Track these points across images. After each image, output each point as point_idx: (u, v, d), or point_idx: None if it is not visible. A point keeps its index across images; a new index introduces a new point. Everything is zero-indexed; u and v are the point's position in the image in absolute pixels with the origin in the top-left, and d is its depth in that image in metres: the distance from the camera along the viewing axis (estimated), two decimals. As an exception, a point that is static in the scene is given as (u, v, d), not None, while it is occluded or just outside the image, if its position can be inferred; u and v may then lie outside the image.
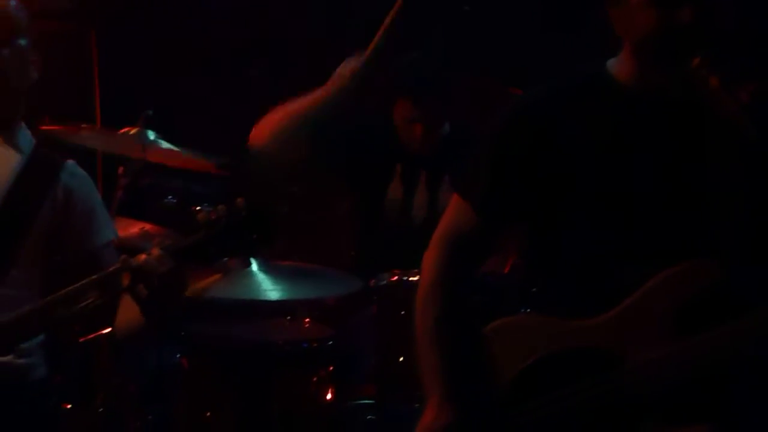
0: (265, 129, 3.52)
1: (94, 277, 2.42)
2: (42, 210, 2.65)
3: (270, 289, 3.38)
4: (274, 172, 3.64)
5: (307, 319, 3.73)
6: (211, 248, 2.37)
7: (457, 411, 2.32)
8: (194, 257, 2.39)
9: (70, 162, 2.75)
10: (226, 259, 2.42)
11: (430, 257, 2.42)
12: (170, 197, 4.03)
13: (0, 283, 2.58)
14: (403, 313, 3.21)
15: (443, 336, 2.37)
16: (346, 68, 3.43)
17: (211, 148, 3.78)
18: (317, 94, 3.47)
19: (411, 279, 3.19)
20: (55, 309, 2.43)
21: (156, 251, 2.37)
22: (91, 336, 3.40)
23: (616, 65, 2.31)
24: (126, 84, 4.61)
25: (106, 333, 3.39)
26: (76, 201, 2.70)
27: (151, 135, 3.46)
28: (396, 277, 3.30)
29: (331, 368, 3.53)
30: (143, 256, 2.37)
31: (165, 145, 3.50)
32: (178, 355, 3.57)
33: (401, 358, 3.24)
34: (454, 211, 2.42)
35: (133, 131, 3.45)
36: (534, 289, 2.68)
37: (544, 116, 2.30)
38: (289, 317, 3.73)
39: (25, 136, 2.75)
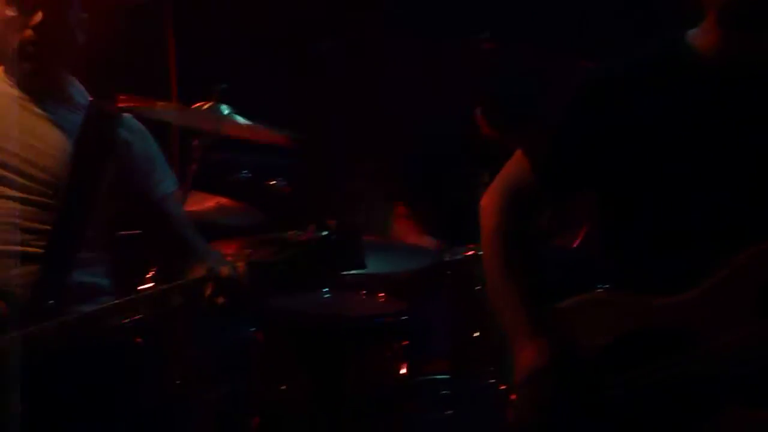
0: None
1: (177, 282, 2.45)
2: (106, 164, 2.68)
3: (345, 264, 3.37)
4: None
5: (382, 294, 3.73)
6: (300, 268, 2.36)
7: (552, 346, 2.25)
8: (279, 276, 2.39)
9: (127, 115, 2.77)
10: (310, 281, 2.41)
11: (489, 203, 2.38)
12: (245, 171, 4.04)
13: (80, 242, 2.62)
14: (477, 288, 3.18)
15: (518, 273, 2.30)
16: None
17: (284, 123, 3.78)
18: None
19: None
20: (137, 308, 2.45)
21: (241, 266, 2.38)
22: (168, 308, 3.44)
23: (698, 37, 2.24)
24: (201, 58, 4.62)
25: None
26: (136, 154, 2.72)
27: (225, 109, 3.46)
28: (470, 252, 3.28)
29: (405, 343, 3.52)
30: (227, 269, 2.39)
31: (239, 119, 3.50)
32: (253, 329, 3.58)
33: (475, 333, 3.22)
34: (516, 164, 2.38)
35: (207, 105, 3.45)
36: (607, 265, 2.63)
37: (621, 89, 2.25)
38: (363, 292, 3.73)
39: (79, 93, 2.77)
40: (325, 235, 2.34)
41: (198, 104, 3.48)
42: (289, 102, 4.38)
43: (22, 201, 2.60)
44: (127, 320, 2.49)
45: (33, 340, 2.46)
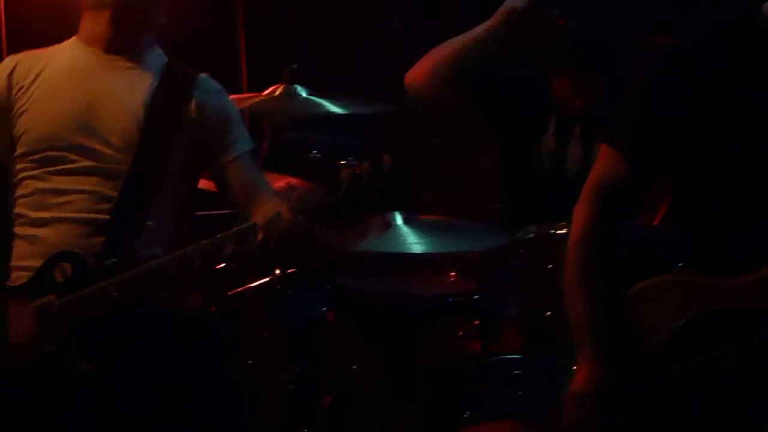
0: (424, 68, 3.46)
1: (228, 231, 2.45)
2: (179, 128, 2.69)
3: (414, 242, 3.35)
4: (428, 116, 3.59)
5: (452, 273, 3.71)
6: (352, 206, 2.35)
7: (609, 371, 2.24)
8: (335, 215, 2.38)
9: (203, 76, 2.79)
10: (367, 217, 2.38)
11: (581, 210, 2.35)
12: (315, 152, 4.04)
13: (147, 209, 2.64)
14: (549, 267, 3.15)
15: (593, 291, 2.30)
16: (512, 3, 3.33)
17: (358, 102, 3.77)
18: (479, 31, 3.38)
19: (558, 232, 3.12)
20: (194, 259, 2.46)
21: (291, 208, 2.38)
22: (239, 289, 3.46)
23: None
24: (271, 38, 4.63)
25: (253, 286, 3.45)
26: (210, 114, 2.74)
27: (297, 89, 3.46)
28: (542, 231, 3.24)
29: (477, 322, 3.50)
30: (277, 213, 2.38)
31: (311, 97, 3.49)
32: (323, 309, 3.59)
33: (548, 313, 3.18)
34: (603, 162, 2.34)
35: (278, 90, 3.43)
36: (685, 244, 2.58)
37: (700, 65, 2.20)
38: (434, 270, 3.71)
39: (156, 56, 2.78)
40: (378, 171, 2.31)
41: (269, 90, 3.48)
42: (363, 80, 4.36)
43: (100, 170, 2.62)
44: (186, 272, 2.50)
45: (96, 297, 2.49)
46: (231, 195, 2.83)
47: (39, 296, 2.54)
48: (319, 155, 4.09)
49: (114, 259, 2.55)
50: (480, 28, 3.37)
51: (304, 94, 3.44)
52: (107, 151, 2.65)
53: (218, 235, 2.46)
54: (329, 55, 4.59)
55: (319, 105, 3.49)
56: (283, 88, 3.44)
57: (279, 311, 3.56)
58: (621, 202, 2.34)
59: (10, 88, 2.74)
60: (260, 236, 2.42)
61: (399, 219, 3.38)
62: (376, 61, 4.70)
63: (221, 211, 3.17)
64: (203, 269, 2.52)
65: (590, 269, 2.31)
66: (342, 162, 3.95)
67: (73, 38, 2.79)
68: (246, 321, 3.57)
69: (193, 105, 2.73)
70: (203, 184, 3.02)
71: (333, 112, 3.42)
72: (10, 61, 2.80)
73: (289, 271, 3.36)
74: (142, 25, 2.77)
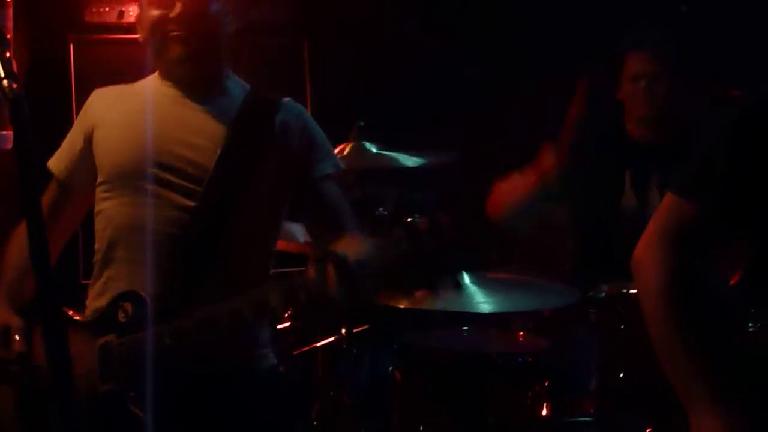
0: (498, 204, 3.50)
1: (273, 286, 2.42)
2: (262, 152, 2.66)
3: (483, 301, 3.31)
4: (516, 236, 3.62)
5: (521, 332, 3.65)
6: (407, 269, 2.25)
7: (737, 421, 2.11)
8: (389, 276, 2.29)
9: (286, 99, 2.77)
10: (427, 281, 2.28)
11: (647, 256, 2.25)
12: (381, 209, 4.02)
13: (229, 234, 2.60)
14: (623, 327, 3.08)
15: (695, 338, 2.16)
16: (545, 164, 3.37)
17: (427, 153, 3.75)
18: (529, 183, 3.42)
19: (631, 291, 3.05)
20: (243, 310, 2.42)
21: (329, 270, 2.32)
22: (306, 348, 3.43)
23: None
24: (338, 95, 4.65)
25: (320, 345, 3.43)
26: (293, 136, 2.70)
27: (366, 145, 3.44)
28: (614, 289, 3.17)
29: (547, 383, 3.43)
30: (312, 272, 2.32)
31: (381, 152, 3.47)
32: (390, 368, 3.55)
33: (622, 374, 3.11)
34: (671, 207, 2.26)
35: (347, 148, 3.43)
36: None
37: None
38: (503, 328, 3.66)
39: (236, 84, 2.78)
40: (436, 229, 2.22)
41: (338, 148, 3.47)
42: (429, 134, 4.35)
43: (179, 206, 2.61)
44: (237, 325, 2.46)
45: (149, 343, 2.46)
46: (312, 217, 2.80)
47: (102, 334, 2.53)
48: (384, 213, 4.06)
49: (175, 302, 2.52)
50: (527, 183, 3.41)
51: (374, 150, 3.42)
52: (192, 186, 2.62)
53: (265, 288, 2.43)
54: (398, 110, 4.59)
55: (390, 159, 3.46)
56: (352, 146, 3.43)
57: (346, 370, 3.52)
58: (693, 243, 2.25)
59: (94, 119, 2.74)
60: (301, 293, 2.37)
61: (467, 278, 3.34)
62: (446, 114, 4.69)
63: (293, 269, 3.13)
64: (254, 321, 2.48)
65: (683, 319, 2.18)
66: (409, 219, 3.97)
67: (156, 76, 2.78)
68: (313, 380, 3.54)
69: (276, 127, 2.69)
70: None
71: (403, 166, 3.40)
72: (94, 95, 2.81)
73: (356, 330, 3.32)
74: (217, 63, 2.75)
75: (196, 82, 2.70)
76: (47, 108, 3.27)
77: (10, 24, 3.52)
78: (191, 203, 2.60)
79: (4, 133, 3.55)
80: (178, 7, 2.64)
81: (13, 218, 2.67)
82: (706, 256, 2.33)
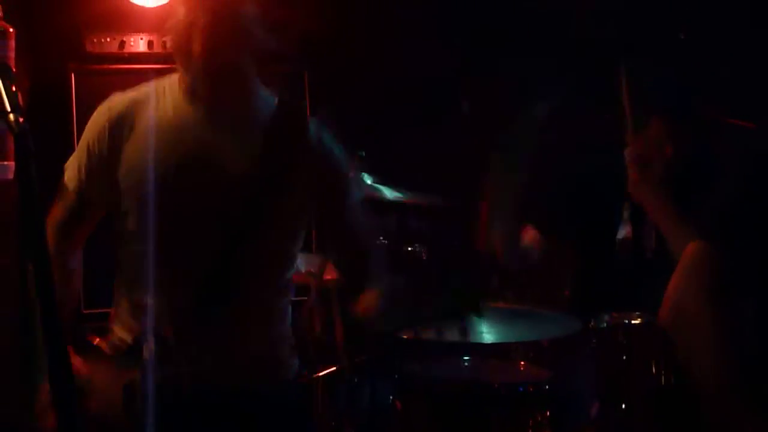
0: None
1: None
2: (297, 159, 2.62)
3: (484, 332, 3.31)
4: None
5: (522, 362, 3.64)
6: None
7: None
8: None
9: (315, 117, 2.73)
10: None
11: (705, 314, 2.23)
12: (381, 238, 4.02)
13: (264, 239, 2.57)
14: (624, 357, 3.07)
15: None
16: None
17: (424, 187, 3.76)
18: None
19: (633, 322, 3.05)
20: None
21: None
22: (307, 378, 3.43)
23: None
24: (337, 124, 4.66)
25: (322, 375, 3.42)
26: (327, 150, 2.67)
27: (366, 178, 3.44)
28: (616, 320, 3.17)
29: (549, 412, 3.42)
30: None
31: (380, 187, 3.47)
32: (391, 397, 3.54)
33: (623, 405, 3.10)
34: (705, 258, 2.25)
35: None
36: None
37: None
38: (504, 358, 3.66)
39: (265, 97, 2.70)
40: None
41: None
42: (429, 165, 4.36)
43: (212, 234, 2.56)
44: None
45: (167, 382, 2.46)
46: (332, 241, 2.78)
47: (129, 368, 2.51)
48: (383, 242, 4.06)
49: (195, 342, 2.51)
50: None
51: (369, 182, 3.43)
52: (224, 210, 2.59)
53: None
54: (395, 142, 4.60)
55: (390, 193, 3.47)
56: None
57: (347, 400, 3.52)
58: (735, 290, 2.24)
59: (112, 138, 2.62)
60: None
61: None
62: (445, 144, 4.70)
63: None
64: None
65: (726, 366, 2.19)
66: (409, 248, 3.98)
67: (176, 78, 2.66)
68: (314, 410, 3.53)
69: (311, 135, 2.65)
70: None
71: (398, 201, 3.41)
72: (108, 106, 2.66)
73: (357, 359, 3.31)
74: (242, 79, 2.64)
75: (224, 104, 2.61)
76: (48, 138, 3.26)
77: (12, 54, 3.51)
78: (223, 230, 2.54)
79: (6, 163, 3.54)
80: (208, 15, 2.53)
81: (12, 249, 2.66)
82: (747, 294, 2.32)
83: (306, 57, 4.63)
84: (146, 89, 2.68)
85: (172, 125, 2.60)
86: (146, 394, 2.45)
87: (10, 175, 3.48)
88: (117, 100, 2.67)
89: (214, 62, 2.55)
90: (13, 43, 3.50)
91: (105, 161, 2.61)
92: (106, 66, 4.36)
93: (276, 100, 2.71)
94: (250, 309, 2.55)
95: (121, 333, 2.61)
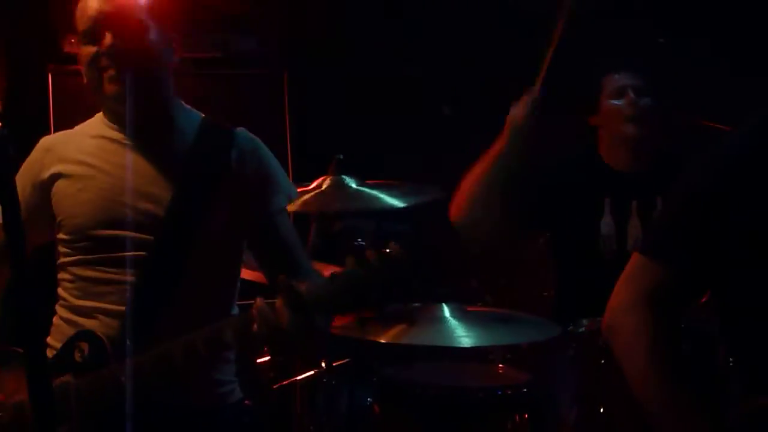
0: (460, 201, 3.47)
1: (227, 320, 2.42)
2: (218, 188, 2.62)
3: (463, 335, 3.30)
4: (478, 242, 3.58)
5: (501, 365, 3.65)
6: (347, 299, 2.29)
7: None
8: (330, 307, 2.33)
9: (240, 130, 2.72)
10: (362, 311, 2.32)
11: (628, 321, 2.23)
12: (359, 240, 4.01)
13: (186, 262, 2.58)
14: (603, 361, 3.08)
15: (684, 399, 2.18)
16: (517, 111, 3.36)
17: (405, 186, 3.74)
18: (495, 149, 3.40)
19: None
20: (197, 346, 2.42)
21: (280, 301, 2.33)
22: (285, 382, 3.42)
23: None
24: (316, 125, 4.66)
25: (299, 379, 3.41)
26: (249, 169, 2.67)
27: (345, 180, 3.41)
28: (594, 324, 3.18)
29: (527, 415, 3.42)
30: (261, 305, 2.34)
31: (360, 188, 3.44)
32: (369, 400, 3.53)
33: (602, 409, 3.11)
34: (640, 270, 2.25)
35: (326, 182, 3.40)
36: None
37: (756, 163, 2.14)
38: (482, 362, 3.66)
39: (187, 114, 2.72)
40: (384, 258, 2.24)
41: (315, 183, 3.44)
42: (411, 166, 4.36)
43: (137, 259, 2.57)
44: (190, 360, 2.44)
45: (106, 381, 2.45)
46: (263, 250, 2.76)
47: (59, 374, 2.50)
48: (362, 243, 4.05)
49: (129, 342, 2.50)
50: (493, 150, 3.40)
51: (353, 185, 3.40)
52: (142, 236, 2.59)
53: (219, 323, 2.42)
54: (375, 142, 4.60)
55: (369, 196, 3.44)
56: (331, 180, 3.40)
57: (325, 403, 3.51)
58: (676, 306, 2.25)
59: (42, 173, 2.66)
60: (255, 326, 2.37)
61: (447, 311, 3.34)
62: (424, 146, 4.70)
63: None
64: (208, 357, 2.46)
65: (675, 386, 2.19)
66: (386, 249, 3.96)
67: (100, 115, 2.70)
68: (292, 414, 3.52)
69: (233, 161, 2.65)
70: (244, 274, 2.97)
71: (383, 204, 3.38)
72: (44, 143, 2.72)
73: (335, 363, 3.30)
74: (159, 98, 2.66)
75: (140, 120, 2.61)
76: (25, 139, 3.25)
77: (-11, 55, 3.49)
78: (145, 253, 2.56)
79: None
80: (108, 39, 2.55)
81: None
82: (683, 308, 2.33)
83: (285, 58, 4.63)
84: (79, 128, 2.75)
85: (95, 158, 2.64)
86: (82, 397, 2.45)
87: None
88: (53, 140, 2.75)
89: (123, 86, 2.56)
90: (-9, 45, 3.48)
91: (43, 200, 2.67)
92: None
93: (199, 118, 2.73)
94: (188, 322, 2.53)
95: (52, 343, 2.61)
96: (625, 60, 3.69)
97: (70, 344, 2.53)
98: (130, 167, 2.60)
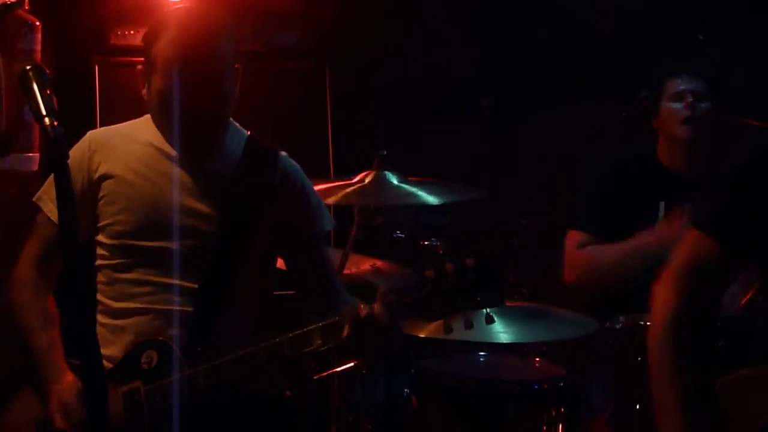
0: (583, 269, 3.61)
1: (318, 324, 2.46)
2: (263, 207, 2.67)
3: (501, 331, 3.34)
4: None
5: (537, 358, 3.68)
6: (435, 306, 2.37)
7: None
8: (418, 313, 2.40)
9: (283, 154, 2.75)
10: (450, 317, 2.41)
11: (665, 291, 2.30)
12: (398, 232, 4.05)
13: (233, 279, 2.62)
14: (639, 359, 3.10)
15: (681, 379, 2.24)
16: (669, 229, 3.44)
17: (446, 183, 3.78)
18: (642, 243, 3.49)
19: (647, 323, 3.08)
20: (282, 350, 2.47)
21: (378, 307, 2.39)
22: (325, 374, 3.46)
23: None
24: (358, 120, 4.67)
25: (339, 371, 3.46)
26: (290, 189, 2.71)
27: (387, 175, 3.43)
28: (631, 321, 3.20)
29: (563, 409, 3.46)
30: (365, 310, 2.40)
31: (401, 185, 3.47)
32: (406, 391, 3.57)
33: (637, 405, 3.13)
34: (690, 245, 2.30)
35: (369, 177, 3.43)
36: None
37: None
38: (519, 355, 3.69)
39: (236, 133, 2.74)
40: (462, 274, 2.33)
41: (359, 177, 3.47)
42: (451, 160, 4.38)
43: (182, 263, 2.62)
44: (274, 362, 2.50)
45: (183, 385, 2.51)
46: (306, 274, 2.80)
47: (125, 382, 2.55)
48: (401, 235, 4.09)
49: (200, 348, 2.55)
50: (644, 245, 3.46)
51: (395, 182, 3.43)
52: (188, 242, 2.63)
53: (306, 328, 2.47)
54: (416, 138, 4.62)
55: (410, 192, 3.47)
56: (374, 175, 3.43)
57: (363, 395, 3.55)
58: (709, 282, 2.30)
59: (91, 171, 2.68)
60: (346, 331, 2.43)
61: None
62: (465, 142, 4.71)
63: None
64: (292, 358, 2.52)
65: (679, 356, 2.25)
66: (425, 242, 4.00)
67: (148, 119, 2.71)
68: (330, 405, 3.56)
69: (278, 176, 2.70)
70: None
71: (423, 201, 3.42)
72: (92, 138, 2.72)
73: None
74: (221, 125, 2.69)
75: (189, 140, 2.64)
76: (71, 130, 3.31)
77: (38, 47, 3.54)
78: (196, 260, 2.61)
79: (30, 155, 3.58)
80: (183, 88, 2.54)
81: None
82: (719, 288, 2.38)
83: (328, 53, 4.64)
84: (127, 128, 2.75)
85: (145, 168, 2.66)
86: (155, 403, 2.50)
87: (35, 167, 3.52)
88: (102, 136, 2.74)
89: (192, 117, 2.59)
90: (39, 36, 3.53)
91: (91, 197, 2.68)
92: (130, 59, 4.36)
93: (247, 135, 2.75)
94: (233, 332, 2.59)
95: (104, 351, 2.61)
96: (687, 64, 3.70)
97: (135, 352, 2.58)
98: (177, 181, 2.64)
